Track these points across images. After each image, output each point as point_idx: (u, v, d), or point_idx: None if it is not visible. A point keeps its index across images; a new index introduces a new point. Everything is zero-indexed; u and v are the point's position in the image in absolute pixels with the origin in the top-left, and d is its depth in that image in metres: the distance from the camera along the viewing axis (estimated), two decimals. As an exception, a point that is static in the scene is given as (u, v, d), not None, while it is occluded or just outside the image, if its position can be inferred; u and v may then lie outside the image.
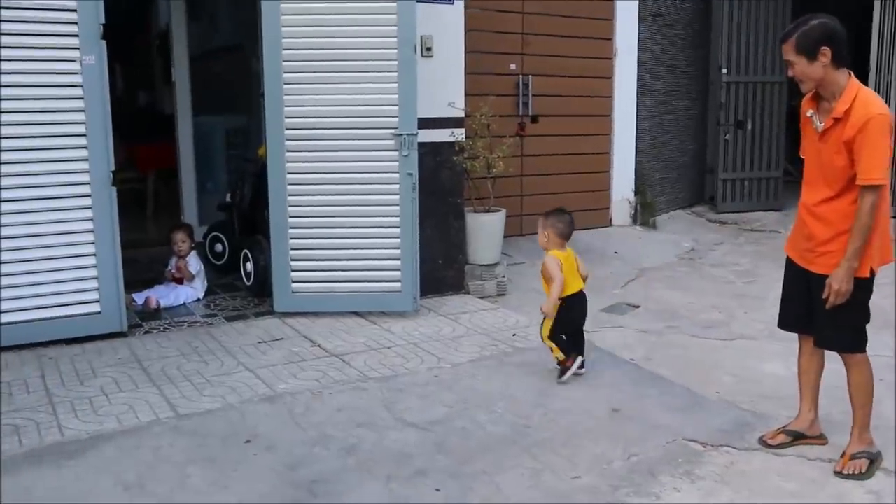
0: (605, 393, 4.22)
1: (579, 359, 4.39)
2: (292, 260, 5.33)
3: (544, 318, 4.41)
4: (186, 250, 5.91)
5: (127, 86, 11.10)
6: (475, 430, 3.75)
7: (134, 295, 5.59)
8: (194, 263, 5.90)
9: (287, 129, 5.22)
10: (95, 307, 4.89)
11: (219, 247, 6.56)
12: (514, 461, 3.44)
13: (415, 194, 5.32)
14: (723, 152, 9.55)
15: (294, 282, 5.36)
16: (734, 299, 6.18)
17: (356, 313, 5.46)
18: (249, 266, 5.89)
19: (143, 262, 6.57)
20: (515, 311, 5.72)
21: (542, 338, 4.45)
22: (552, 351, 4.42)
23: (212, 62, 8.39)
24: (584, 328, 4.55)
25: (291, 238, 5.30)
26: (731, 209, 9.59)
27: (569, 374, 4.34)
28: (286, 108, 5.20)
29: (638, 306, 5.98)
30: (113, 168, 4.80)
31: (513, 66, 7.62)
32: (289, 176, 5.25)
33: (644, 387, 4.32)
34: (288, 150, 5.24)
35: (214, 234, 6.61)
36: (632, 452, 3.53)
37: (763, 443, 3.60)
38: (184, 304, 5.73)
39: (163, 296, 5.71)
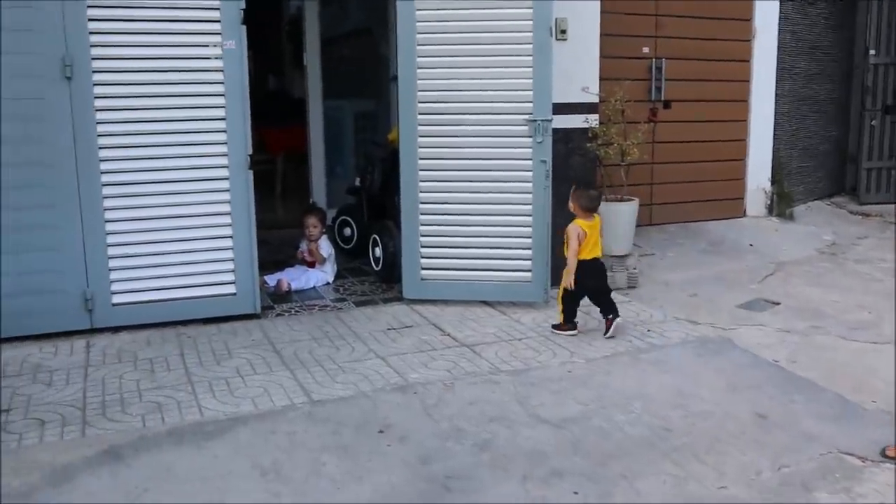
0: (749, 396, 4.00)
1: (617, 320, 4.79)
2: (422, 247, 5.30)
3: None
4: (318, 234, 5.97)
5: (258, 70, 11.35)
6: (612, 431, 3.61)
7: (266, 277, 5.69)
8: (325, 247, 5.96)
9: (420, 113, 5.17)
10: (231, 288, 4.99)
11: (347, 231, 6.61)
12: (655, 466, 3.30)
13: (548, 182, 5.19)
14: (868, 139, 9.00)
15: (423, 269, 5.33)
16: (883, 298, 5.79)
17: (485, 302, 5.39)
18: (378, 251, 5.90)
19: (273, 244, 6.69)
20: (648, 304, 5.52)
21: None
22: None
23: (341, 46, 8.46)
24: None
25: (422, 224, 5.27)
26: (874, 200, 9.04)
27: (561, 334, 4.81)
28: (419, 93, 5.16)
29: (778, 303, 5.67)
30: (250, 152, 4.86)
31: (645, 50, 7.37)
32: (420, 161, 5.21)
33: (791, 391, 4.07)
34: (420, 136, 5.19)
35: (343, 217, 6.66)
36: (782, 463, 3.32)
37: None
38: (314, 287, 5.80)
39: (294, 278, 5.79)
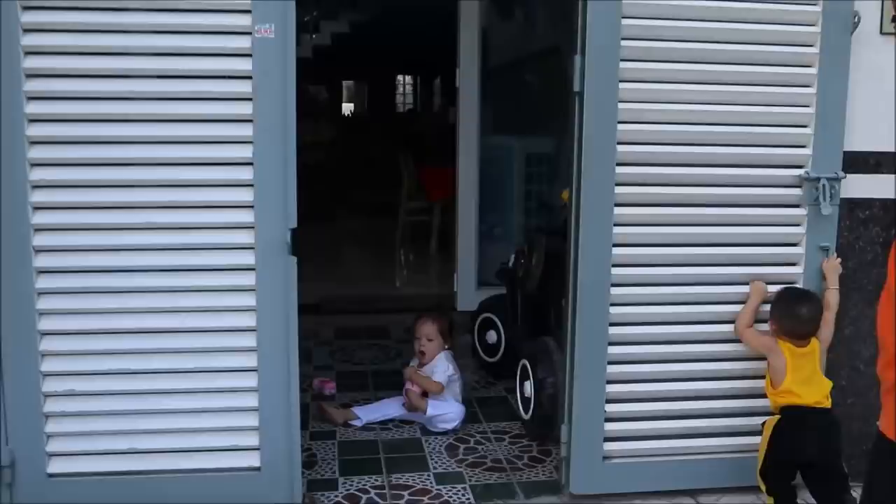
0: None
1: None
2: (609, 401, 2.93)
3: None
4: (433, 352, 3.73)
5: (423, 99, 9.41)
6: None
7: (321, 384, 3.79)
8: (441, 370, 3.68)
9: (619, 164, 2.83)
10: (251, 459, 2.83)
11: (492, 336, 4.31)
12: None
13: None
14: None
15: (609, 438, 2.96)
16: None
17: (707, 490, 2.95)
18: (529, 388, 3.56)
19: (393, 338, 4.52)
20: None
21: None
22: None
23: (515, 68, 6.27)
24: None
25: (611, 362, 2.90)
26: None
27: None
28: (620, 128, 2.82)
29: None
30: (293, 224, 2.71)
31: None
32: (616, 250, 2.86)
33: None
34: (618, 204, 2.85)
35: (487, 315, 4.37)
36: None
37: None
38: (418, 431, 3.56)
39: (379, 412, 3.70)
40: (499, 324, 4.26)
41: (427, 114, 13.37)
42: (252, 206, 2.69)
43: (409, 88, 17.14)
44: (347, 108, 17.62)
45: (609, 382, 2.91)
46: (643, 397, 2.97)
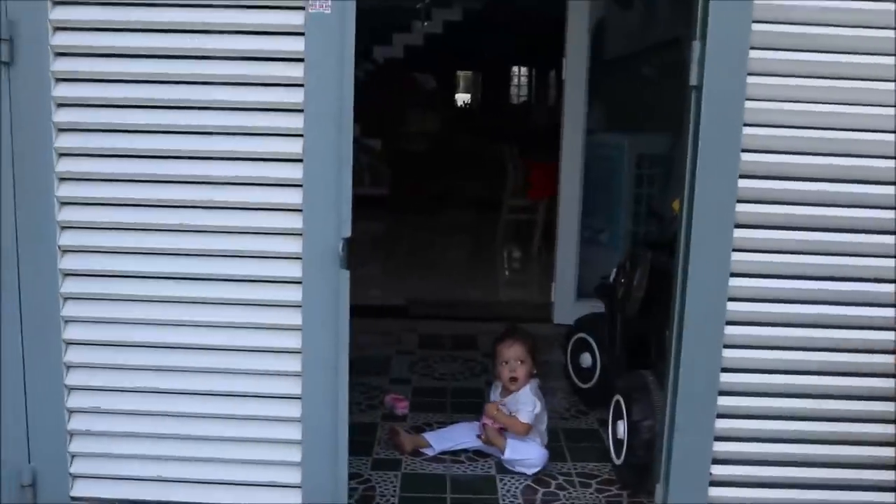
0: None
1: None
2: (716, 462, 2.41)
3: None
4: (523, 379, 3.28)
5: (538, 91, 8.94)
6: None
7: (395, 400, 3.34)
8: (526, 408, 3.22)
9: (743, 176, 2.31)
10: (293, 497, 2.48)
11: (586, 359, 3.82)
12: None
13: None
14: None
15: (716, 484, 2.45)
16: None
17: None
18: (622, 429, 3.06)
19: (480, 350, 4.11)
20: None
21: None
22: None
23: (630, 60, 5.73)
24: None
25: (721, 415, 2.39)
26: None
27: None
28: (746, 132, 2.30)
29: None
30: (347, 234, 2.32)
31: None
32: (733, 280, 2.34)
33: None
34: (738, 225, 2.33)
35: (581, 336, 3.88)
36: None
37: None
38: (493, 468, 3.12)
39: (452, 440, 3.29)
40: (594, 346, 3.77)
41: (541, 106, 12.85)
42: (300, 210, 2.32)
43: (524, 80, 16.63)
44: (462, 98, 17.26)
45: (718, 439, 2.40)
46: (759, 459, 2.44)
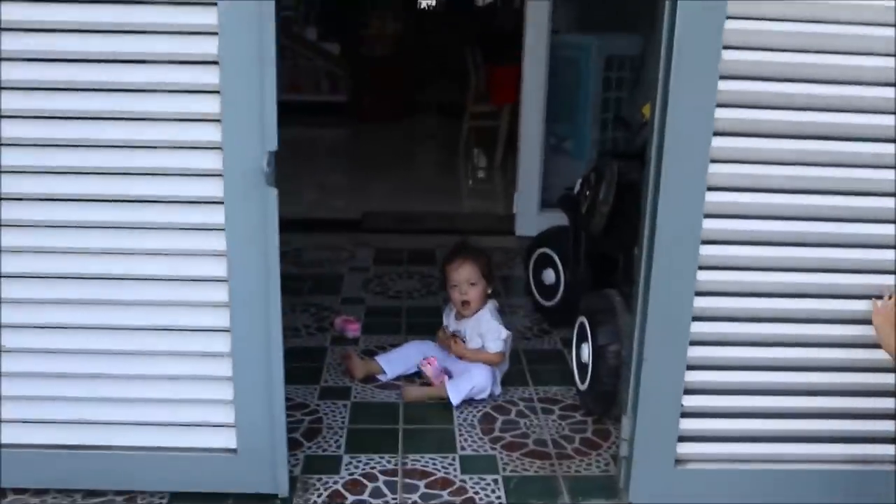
0: None
1: None
2: (688, 391, 2.22)
3: None
4: (478, 300, 3.05)
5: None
6: None
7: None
8: (491, 331, 3.00)
9: (724, 77, 2.03)
10: (225, 438, 2.26)
11: (549, 275, 3.60)
12: None
13: None
14: None
15: (685, 438, 2.27)
16: None
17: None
18: (586, 352, 2.87)
19: (438, 266, 3.88)
20: None
21: None
22: None
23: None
24: None
25: (694, 342, 2.18)
26: None
27: None
28: (728, 26, 1.99)
29: None
30: (273, 147, 2.03)
31: None
32: (710, 196, 2.08)
33: None
34: (718, 133, 2.05)
35: (544, 251, 3.65)
36: None
37: None
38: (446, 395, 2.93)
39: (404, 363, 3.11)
40: (558, 262, 3.55)
41: (507, 9, 12.35)
42: (219, 121, 2.02)
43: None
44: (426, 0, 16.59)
45: (690, 368, 2.20)
46: (733, 388, 2.25)
